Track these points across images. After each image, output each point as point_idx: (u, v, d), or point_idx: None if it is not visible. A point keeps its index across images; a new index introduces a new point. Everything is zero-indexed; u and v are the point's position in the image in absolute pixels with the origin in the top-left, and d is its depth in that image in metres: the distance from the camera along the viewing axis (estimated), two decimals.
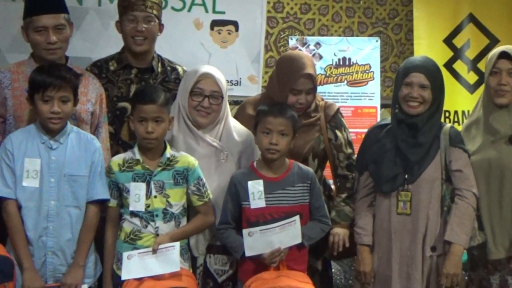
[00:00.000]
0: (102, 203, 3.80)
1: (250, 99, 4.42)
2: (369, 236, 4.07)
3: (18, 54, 4.83)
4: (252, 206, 3.83)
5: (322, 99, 4.31)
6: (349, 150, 4.24)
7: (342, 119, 4.28)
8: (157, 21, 4.25)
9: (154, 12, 4.23)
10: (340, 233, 4.14)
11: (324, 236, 4.04)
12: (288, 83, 4.10)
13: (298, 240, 3.81)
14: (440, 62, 5.27)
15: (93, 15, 5.28)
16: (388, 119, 4.19)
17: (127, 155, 3.85)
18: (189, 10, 5.46)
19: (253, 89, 5.63)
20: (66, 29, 3.92)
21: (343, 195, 4.19)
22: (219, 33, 5.55)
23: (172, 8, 5.28)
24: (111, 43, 5.06)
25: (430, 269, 3.99)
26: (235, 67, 5.59)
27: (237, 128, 4.09)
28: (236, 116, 4.34)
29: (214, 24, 5.54)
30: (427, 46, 5.83)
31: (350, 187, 4.21)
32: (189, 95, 3.97)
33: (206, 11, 5.49)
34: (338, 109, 4.28)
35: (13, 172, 3.66)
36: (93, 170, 3.75)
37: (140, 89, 4.06)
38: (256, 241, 3.76)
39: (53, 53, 3.88)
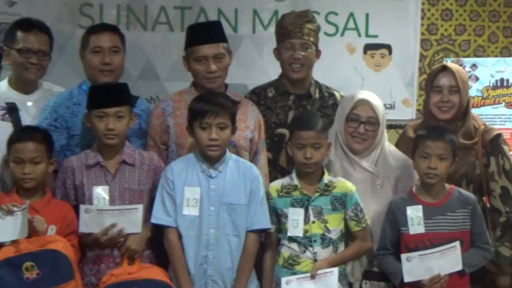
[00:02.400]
0: (261, 231, 3.83)
1: (412, 123, 4.42)
2: None
3: (176, 82, 4.98)
4: (411, 232, 3.79)
5: (484, 124, 4.20)
6: (504, 180, 4.06)
7: (502, 146, 4.11)
8: (314, 47, 4.29)
9: (311, 39, 4.27)
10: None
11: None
12: (429, 81, 4.14)
13: (459, 266, 3.73)
14: None
15: (248, 42, 5.36)
16: None
17: (285, 180, 3.89)
18: (342, 35, 5.46)
19: (407, 113, 5.57)
20: (226, 58, 4.01)
21: (497, 233, 4.03)
22: (372, 56, 5.52)
23: (325, 33, 5.29)
24: (265, 70, 5.15)
25: None
26: (388, 91, 5.54)
27: (393, 153, 4.05)
28: (398, 139, 4.34)
29: (367, 48, 5.51)
30: None
31: (503, 222, 4.04)
32: (345, 121, 3.97)
33: (359, 35, 5.48)
34: (498, 135, 4.13)
35: (173, 201, 3.74)
36: (252, 198, 3.77)
37: (298, 115, 4.09)
38: (415, 267, 3.71)
39: (213, 81, 3.97)
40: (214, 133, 3.68)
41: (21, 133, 3.75)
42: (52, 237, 3.55)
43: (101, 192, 3.75)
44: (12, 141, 3.71)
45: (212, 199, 3.73)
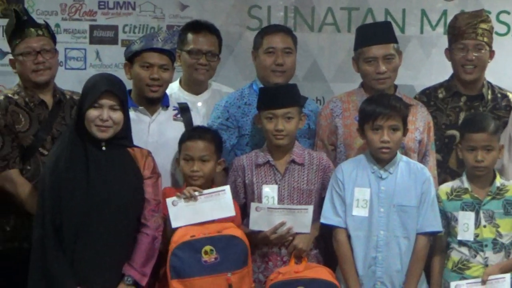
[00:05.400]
0: (432, 234, 3.78)
1: None
2: None
3: (342, 83, 4.98)
4: None
5: None
6: None
7: None
8: (487, 48, 4.21)
9: (485, 39, 4.18)
10: None
11: None
12: None
13: None
14: None
15: (415, 43, 5.30)
16: None
17: (455, 183, 3.83)
18: None
19: None
20: (395, 58, 3.98)
21: None
22: None
23: (496, 33, 5.15)
24: (433, 71, 5.08)
25: None
26: None
27: None
28: None
29: None
30: None
31: None
32: None
33: None
34: None
35: (343, 201, 3.75)
36: (423, 200, 3.73)
37: (469, 117, 4.01)
38: None
39: (383, 82, 3.95)
40: (386, 136, 3.66)
41: (192, 132, 3.85)
42: (228, 224, 3.61)
43: (270, 191, 3.81)
44: (183, 140, 3.82)
45: (382, 200, 3.72)
